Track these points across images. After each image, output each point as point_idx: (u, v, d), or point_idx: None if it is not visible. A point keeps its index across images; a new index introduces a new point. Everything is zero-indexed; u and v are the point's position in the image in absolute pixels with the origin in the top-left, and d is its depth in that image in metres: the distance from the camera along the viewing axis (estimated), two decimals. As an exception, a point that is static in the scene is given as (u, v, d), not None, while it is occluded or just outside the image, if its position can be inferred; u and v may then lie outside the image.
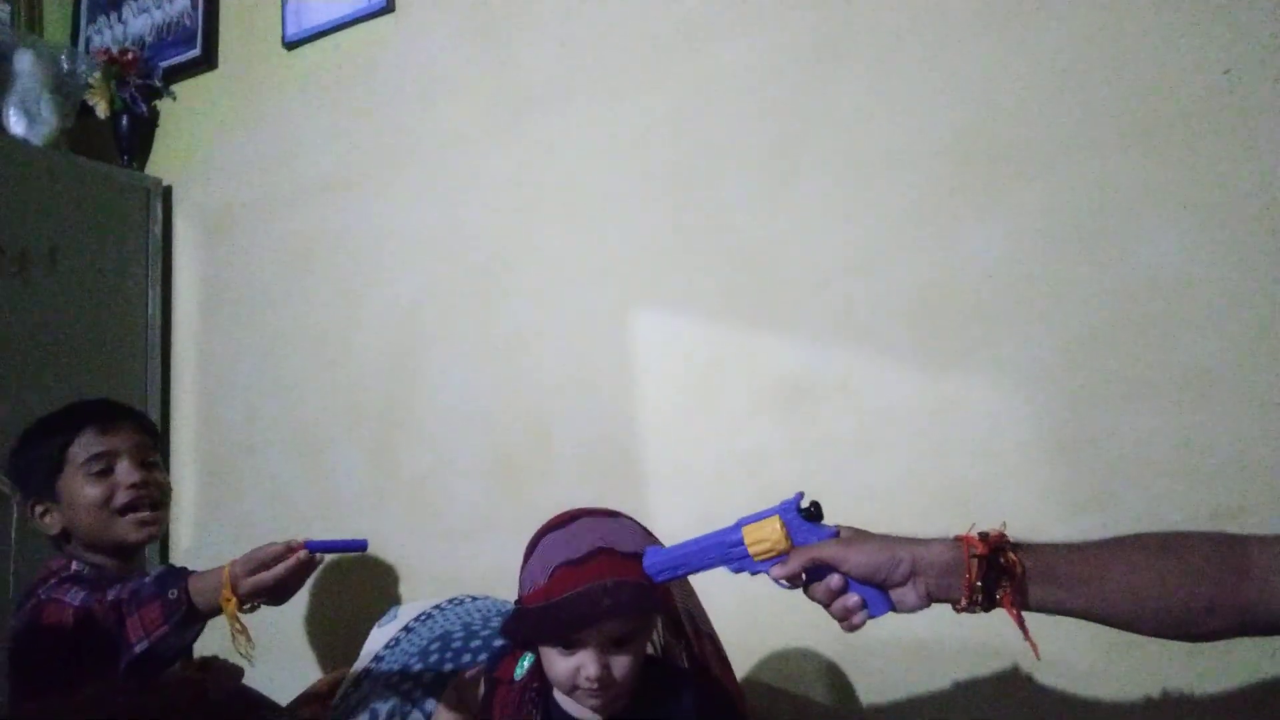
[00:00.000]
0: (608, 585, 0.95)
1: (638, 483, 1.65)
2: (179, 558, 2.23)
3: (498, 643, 1.22)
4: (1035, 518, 1.33)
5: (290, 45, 2.18)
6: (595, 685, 0.94)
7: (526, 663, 1.04)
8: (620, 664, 0.97)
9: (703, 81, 1.67)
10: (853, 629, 0.90)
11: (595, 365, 1.72)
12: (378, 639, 1.44)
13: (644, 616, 1.00)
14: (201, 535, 2.21)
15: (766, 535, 0.91)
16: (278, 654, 2.03)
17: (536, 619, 0.95)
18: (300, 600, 2.00)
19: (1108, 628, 0.86)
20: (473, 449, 1.83)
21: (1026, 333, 1.37)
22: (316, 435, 2.04)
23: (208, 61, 2.34)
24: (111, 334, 2.20)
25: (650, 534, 1.05)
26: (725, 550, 0.93)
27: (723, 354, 1.59)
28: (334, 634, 1.95)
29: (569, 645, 0.95)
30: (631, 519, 1.07)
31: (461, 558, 1.81)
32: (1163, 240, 1.30)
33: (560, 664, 0.96)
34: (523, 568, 1.02)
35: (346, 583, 1.96)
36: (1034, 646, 0.85)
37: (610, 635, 0.95)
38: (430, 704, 1.21)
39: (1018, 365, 1.37)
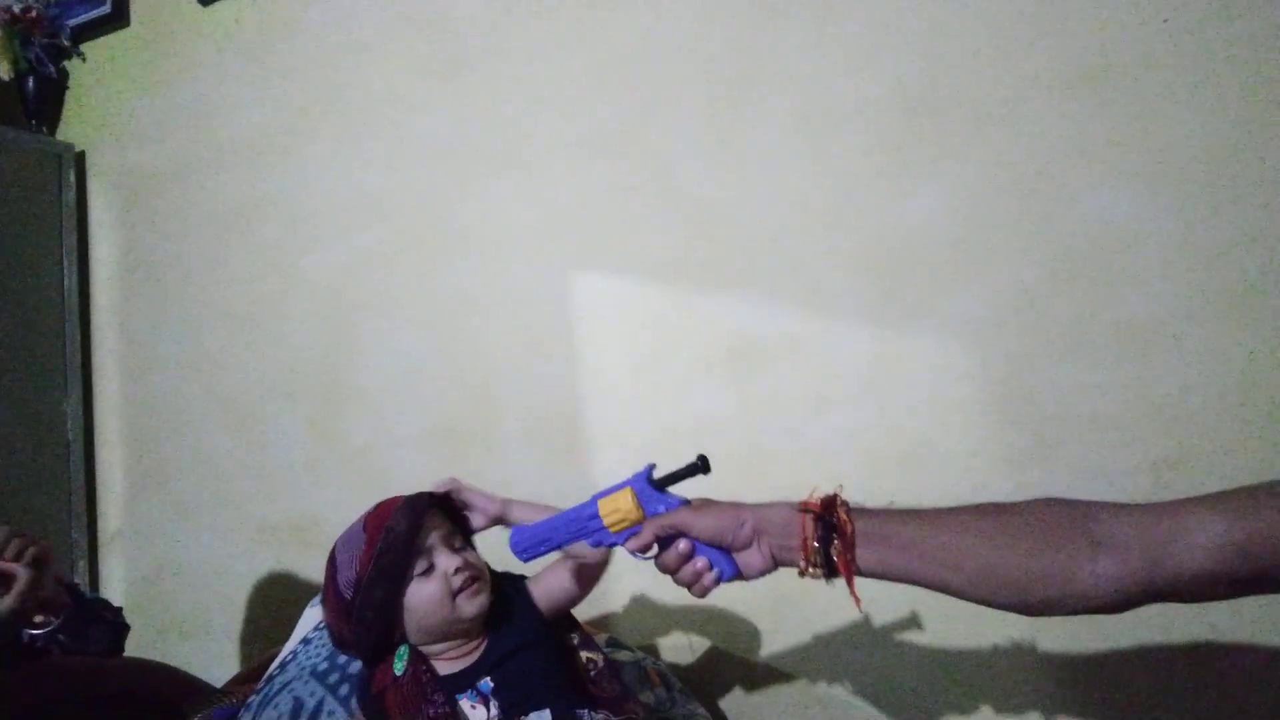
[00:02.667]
0: (413, 494, 1.09)
1: (585, 448, 1.62)
2: (106, 540, 2.16)
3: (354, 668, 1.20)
4: (980, 471, 1.34)
5: (206, 1, 2.07)
6: (468, 573, 1.04)
7: (402, 658, 1.05)
8: (472, 555, 1.09)
9: (642, 35, 1.62)
10: (703, 592, 0.91)
11: (539, 329, 1.68)
12: (309, 619, 1.39)
13: (459, 515, 1.13)
14: (131, 516, 2.13)
15: (619, 507, 0.93)
16: (214, 633, 1.97)
17: (387, 553, 1.02)
18: (236, 578, 1.95)
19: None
20: (415, 418, 1.79)
21: (970, 289, 1.37)
22: (250, 408, 1.97)
23: (119, 18, 2.22)
24: (26, 309, 2.09)
25: None
26: (583, 524, 0.96)
27: (669, 315, 1.57)
28: (269, 613, 1.90)
29: (426, 569, 1.04)
30: None
31: (404, 530, 1.76)
32: (1102, 194, 1.30)
33: (428, 588, 1.04)
34: (330, 588, 1.07)
35: (283, 560, 1.90)
36: (857, 600, 0.85)
37: (449, 538, 1.07)
38: (355, 703, 1.17)
39: (962, 321, 1.37)
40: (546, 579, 1.12)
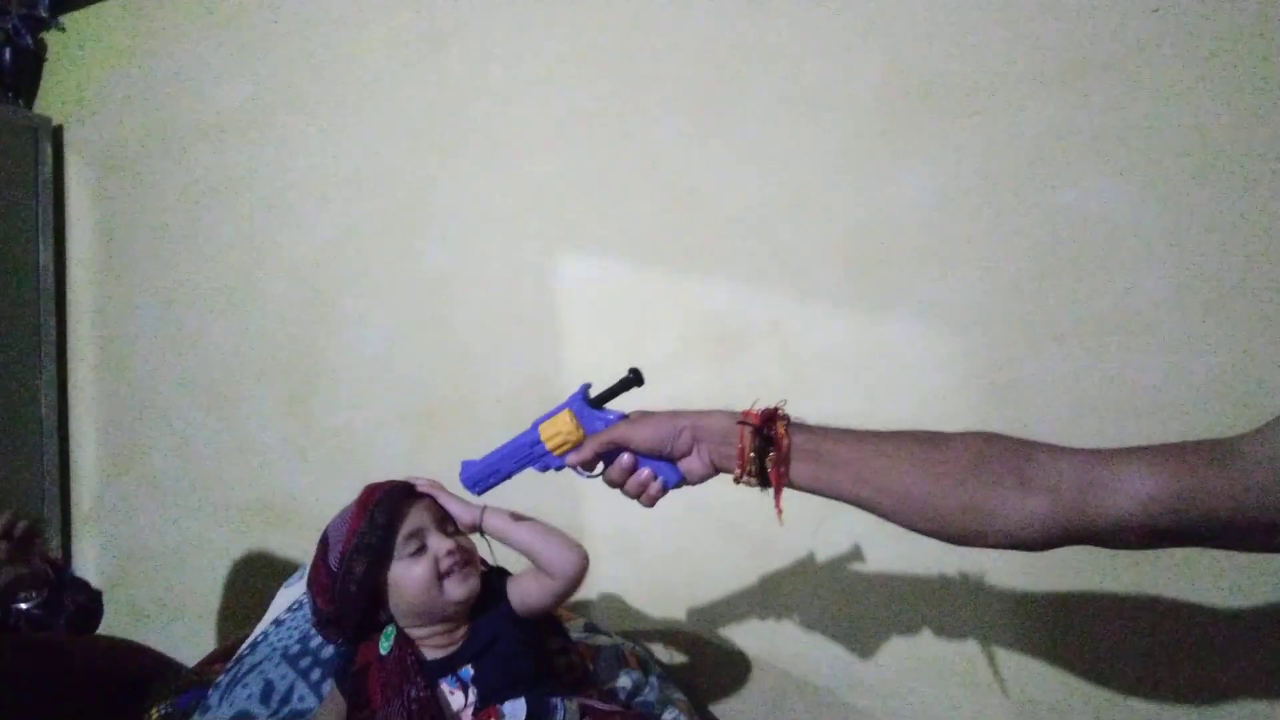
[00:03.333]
0: (400, 481, 1.11)
1: (563, 431, 1.60)
2: (80, 520, 2.13)
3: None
4: (962, 459, 1.34)
5: (188, -27, 2.04)
6: (458, 557, 1.04)
7: (389, 638, 1.07)
8: (462, 540, 1.08)
9: (628, 16, 1.60)
10: (651, 502, 0.94)
11: (519, 310, 1.66)
12: (282, 600, 1.38)
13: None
14: (105, 496, 2.10)
15: (560, 429, 0.96)
16: (187, 614, 1.96)
17: (369, 532, 1.03)
18: (211, 559, 1.93)
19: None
20: (393, 399, 1.77)
21: (955, 275, 1.36)
22: (226, 387, 1.94)
23: (98, -10, 2.19)
24: (0, 284, 2.06)
25: None
26: (528, 451, 0.98)
27: (651, 298, 1.55)
28: (243, 593, 1.89)
29: (417, 550, 1.04)
30: None
31: (382, 512, 1.75)
32: (1087, 184, 1.29)
33: (417, 569, 1.03)
34: (319, 567, 1.07)
35: (257, 541, 1.89)
36: (779, 512, 0.85)
37: (442, 522, 1.07)
38: (327, 686, 1.16)
39: (947, 307, 1.36)
40: (522, 583, 1.11)
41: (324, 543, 1.08)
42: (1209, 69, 1.23)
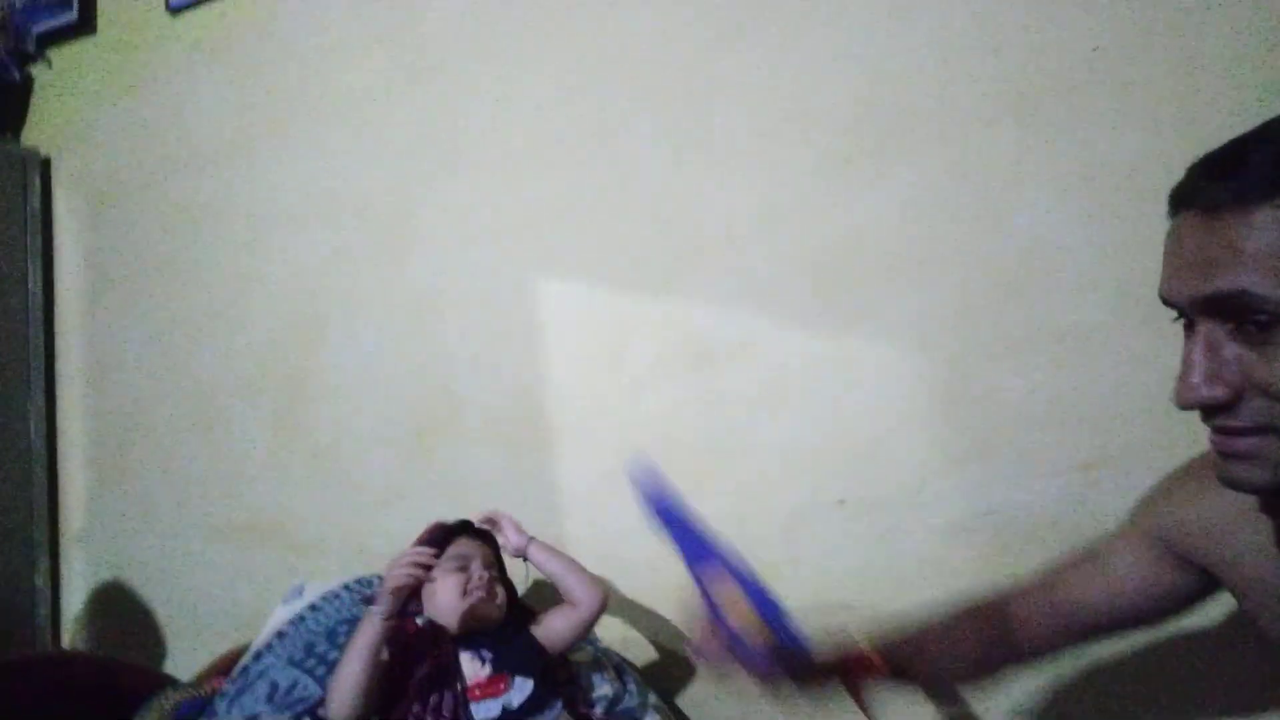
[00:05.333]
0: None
1: (547, 445, 1.66)
2: (69, 541, 2.16)
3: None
4: (921, 470, 1.41)
5: (175, 11, 2.09)
6: (484, 580, 1.28)
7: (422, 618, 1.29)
8: (500, 584, 1.32)
9: (607, 45, 1.67)
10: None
11: (503, 329, 1.72)
12: (282, 616, 1.42)
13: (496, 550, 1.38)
14: (94, 517, 2.13)
15: (736, 605, 0.85)
16: (177, 633, 1.99)
17: (437, 535, 1.33)
18: (200, 578, 1.97)
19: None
20: (380, 417, 1.82)
21: (915, 295, 1.43)
22: (215, 409, 1.98)
23: (85, 27, 2.23)
24: (-11, 312, 2.09)
25: None
26: (702, 570, 0.87)
27: (629, 316, 1.62)
28: (237, 610, 1.92)
29: (459, 568, 1.28)
30: None
31: (370, 529, 1.79)
32: (1037, 208, 1.37)
33: (451, 579, 1.27)
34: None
35: (250, 558, 1.92)
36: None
37: (489, 559, 1.32)
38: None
39: (906, 326, 1.43)
40: (547, 620, 1.32)
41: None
42: (1143, 101, 1.32)
